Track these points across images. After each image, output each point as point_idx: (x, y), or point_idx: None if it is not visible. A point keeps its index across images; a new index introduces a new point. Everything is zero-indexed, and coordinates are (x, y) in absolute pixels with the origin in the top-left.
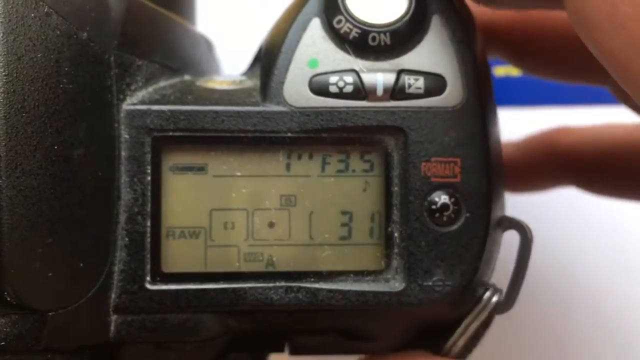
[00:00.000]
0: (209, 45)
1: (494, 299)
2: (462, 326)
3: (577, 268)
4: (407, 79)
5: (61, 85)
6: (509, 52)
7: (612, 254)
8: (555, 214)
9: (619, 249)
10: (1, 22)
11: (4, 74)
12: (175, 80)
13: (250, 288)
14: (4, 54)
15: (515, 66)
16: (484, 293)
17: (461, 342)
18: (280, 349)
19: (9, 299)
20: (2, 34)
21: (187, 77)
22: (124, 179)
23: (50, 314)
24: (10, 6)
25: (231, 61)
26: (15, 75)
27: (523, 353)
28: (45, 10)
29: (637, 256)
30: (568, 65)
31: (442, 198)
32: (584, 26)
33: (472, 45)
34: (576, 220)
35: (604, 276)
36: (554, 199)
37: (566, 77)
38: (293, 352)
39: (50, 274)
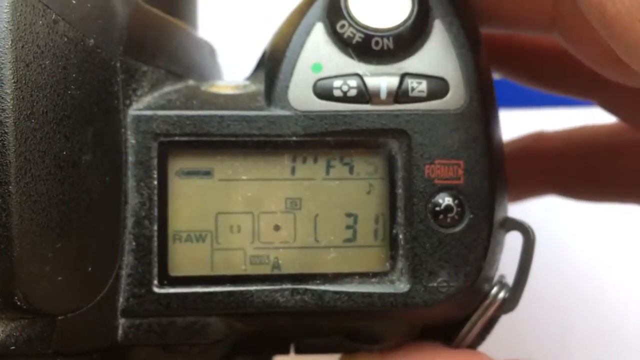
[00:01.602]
0: (211, 51)
1: (501, 294)
2: (470, 323)
3: (574, 268)
4: (410, 83)
5: (69, 92)
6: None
7: (610, 254)
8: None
9: (618, 248)
10: (10, 29)
11: (12, 80)
12: (180, 85)
13: (256, 291)
14: (13, 61)
15: (497, 71)
16: (491, 290)
17: (469, 339)
18: (285, 351)
19: (19, 303)
20: (10, 41)
21: (191, 82)
22: (130, 183)
23: (59, 317)
24: (18, 14)
25: (230, 67)
26: (24, 81)
27: (522, 351)
28: (53, 17)
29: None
30: (554, 77)
31: (445, 200)
32: (605, 21)
33: (474, 48)
34: (571, 218)
35: (602, 277)
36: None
37: (551, 87)
38: (298, 352)
39: (59, 278)
